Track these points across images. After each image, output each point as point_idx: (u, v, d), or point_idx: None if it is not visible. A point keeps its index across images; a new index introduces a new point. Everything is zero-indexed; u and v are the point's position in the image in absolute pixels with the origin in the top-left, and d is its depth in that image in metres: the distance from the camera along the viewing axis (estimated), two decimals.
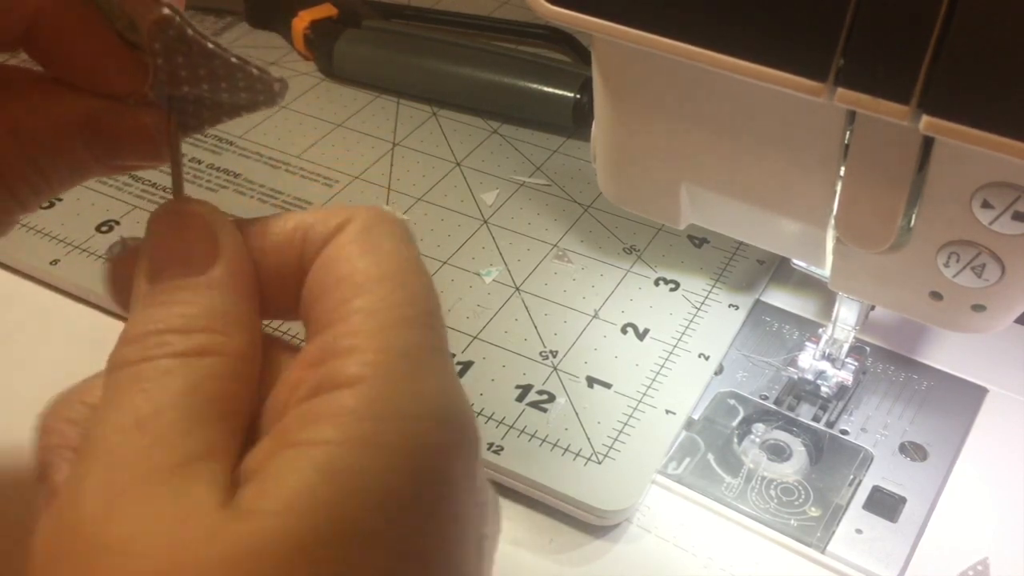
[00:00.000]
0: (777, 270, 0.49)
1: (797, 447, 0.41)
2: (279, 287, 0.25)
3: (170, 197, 0.27)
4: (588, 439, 0.41)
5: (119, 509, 0.20)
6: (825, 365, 0.43)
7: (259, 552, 0.20)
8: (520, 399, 0.43)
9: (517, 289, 0.48)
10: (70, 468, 0.23)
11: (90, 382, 0.25)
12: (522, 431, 0.41)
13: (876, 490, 0.40)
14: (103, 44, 0.28)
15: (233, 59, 0.27)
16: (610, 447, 0.40)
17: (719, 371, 0.44)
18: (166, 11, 0.26)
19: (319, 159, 0.56)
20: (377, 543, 0.21)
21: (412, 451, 0.22)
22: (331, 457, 0.21)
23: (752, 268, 0.49)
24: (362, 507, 0.21)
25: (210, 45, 0.27)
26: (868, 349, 0.45)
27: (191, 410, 0.22)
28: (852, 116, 0.30)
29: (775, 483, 0.40)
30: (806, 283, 0.48)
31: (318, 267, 0.24)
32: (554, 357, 0.45)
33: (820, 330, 0.44)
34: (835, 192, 0.33)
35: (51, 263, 0.48)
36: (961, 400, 0.43)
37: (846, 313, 0.41)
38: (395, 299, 0.23)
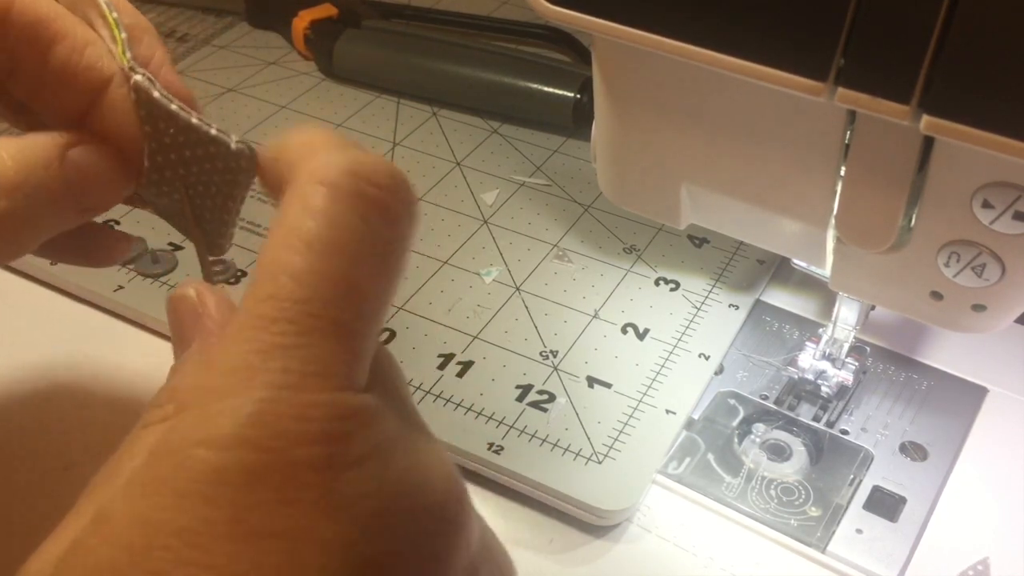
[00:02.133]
0: (777, 270, 0.49)
1: (797, 447, 0.41)
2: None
3: None
4: (588, 439, 0.41)
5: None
6: (825, 365, 0.43)
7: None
8: (520, 399, 0.43)
9: (517, 289, 0.48)
10: None
11: None
12: (522, 431, 0.41)
13: (876, 490, 0.40)
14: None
15: (195, 119, 0.30)
16: (610, 447, 0.40)
17: (719, 371, 0.44)
18: (138, 77, 0.29)
19: None
20: None
21: (187, 483, 0.20)
22: (109, 501, 0.21)
23: (752, 268, 0.49)
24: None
25: (174, 106, 0.29)
26: (868, 349, 0.45)
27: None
28: (852, 116, 0.30)
29: (775, 483, 0.40)
30: (806, 283, 0.48)
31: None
32: (554, 357, 0.45)
33: (820, 330, 0.44)
34: (835, 192, 0.33)
35: (51, 263, 0.48)
36: (961, 400, 0.43)
37: (846, 313, 0.41)
38: (262, 292, 0.22)
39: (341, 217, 0.22)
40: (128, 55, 0.30)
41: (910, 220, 0.32)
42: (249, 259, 0.49)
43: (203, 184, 0.31)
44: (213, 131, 0.30)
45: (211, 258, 0.31)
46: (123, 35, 0.30)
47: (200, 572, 0.19)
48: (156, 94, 0.29)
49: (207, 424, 0.20)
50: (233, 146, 0.30)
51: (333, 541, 0.20)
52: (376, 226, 0.23)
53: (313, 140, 0.25)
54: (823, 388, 0.43)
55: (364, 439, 0.21)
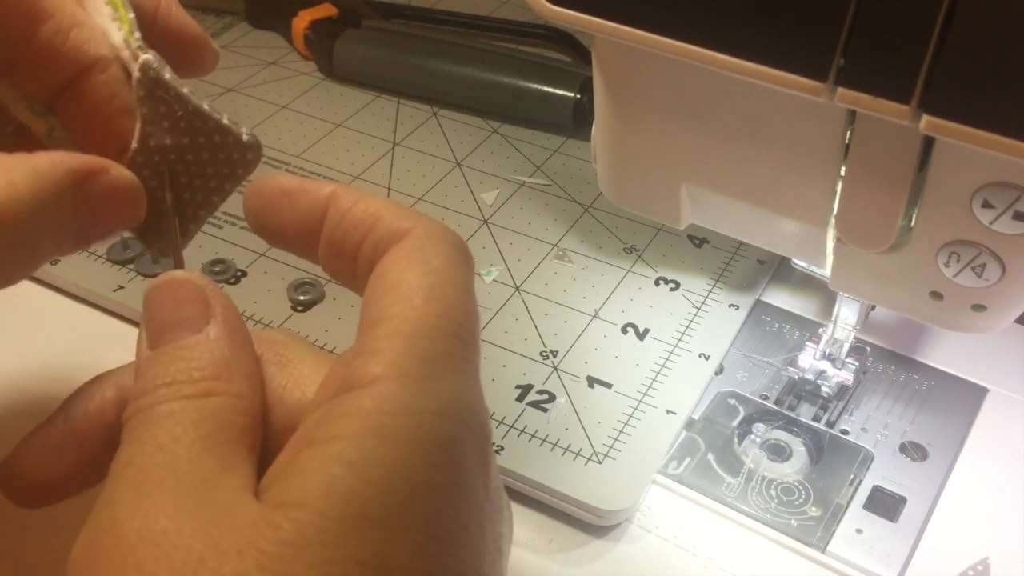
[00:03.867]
0: (777, 270, 0.49)
1: (797, 447, 0.41)
2: (337, 256, 0.28)
3: None
4: (588, 439, 0.41)
5: (153, 509, 0.22)
6: (825, 365, 0.43)
7: (290, 541, 0.21)
8: (520, 399, 0.43)
9: (517, 289, 0.48)
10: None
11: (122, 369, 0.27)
12: (522, 431, 0.41)
13: (876, 490, 0.40)
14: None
15: (206, 105, 0.29)
16: (610, 447, 0.40)
17: (719, 371, 0.44)
18: (148, 56, 0.29)
19: (319, 159, 0.56)
20: (401, 526, 0.22)
21: (423, 442, 0.23)
22: (347, 449, 0.22)
23: (752, 268, 0.49)
24: (383, 492, 0.22)
25: (186, 90, 0.29)
26: (868, 349, 0.45)
27: (205, 436, 0.23)
28: (852, 116, 0.30)
29: (775, 483, 0.40)
30: (806, 283, 0.48)
31: (375, 275, 0.26)
32: (554, 357, 0.45)
33: (820, 330, 0.44)
34: (835, 192, 0.33)
35: (52, 263, 0.48)
36: (961, 400, 0.43)
37: (846, 313, 0.41)
38: (428, 309, 0.25)
39: (458, 257, 0.26)
40: (137, 35, 0.29)
41: (910, 220, 0.32)
42: (249, 259, 0.49)
43: (193, 173, 0.30)
44: (225, 120, 0.30)
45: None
46: (131, 15, 0.29)
47: (458, 529, 0.23)
48: (168, 75, 0.29)
49: (429, 399, 0.23)
50: (245, 137, 0.30)
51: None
52: (470, 268, 0.27)
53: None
54: (823, 388, 0.43)
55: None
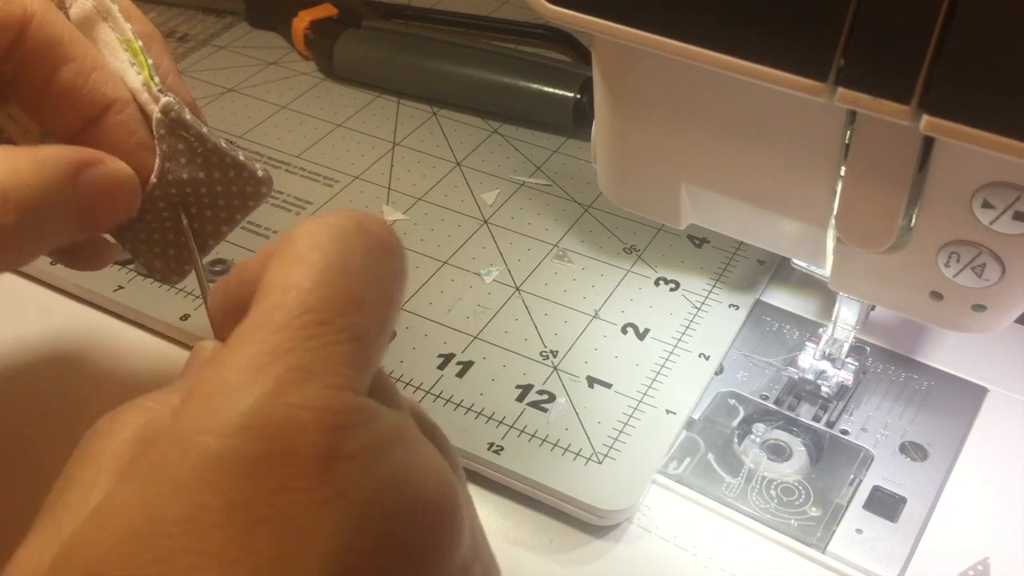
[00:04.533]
0: (777, 270, 0.49)
1: (797, 447, 0.41)
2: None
3: None
4: (588, 439, 0.41)
5: None
6: (825, 365, 0.43)
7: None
8: (520, 399, 0.43)
9: (517, 289, 0.48)
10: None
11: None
12: (522, 431, 0.41)
13: (876, 490, 0.40)
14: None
15: (224, 142, 0.32)
16: (610, 447, 0.40)
17: (719, 371, 0.44)
18: (169, 98, 0.31)
19: (319, 159, 0.56)
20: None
21: (189, 467, 0.20)
22: (111, 489, 0.22)
23: (752, 268, 0.49)
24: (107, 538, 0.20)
25: (205, 129, 0.32)
26: (868, 349, 0.45)
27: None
28: (852, 116, 0.30)
29: (775, 483, 0.40)
30: (806, 283, 0.48)
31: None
32: (554, 357, 0.45)
33: (820, 330, 0.44)
34: (835, 192, 0.33)
35: (52, 263, 0.48)
36: (961, 400, 0.43)
37: (846, 313, 0.41)
38: (265, 304, 0.22)
39: (347, 243, 0.24)
40: (156, 79, 0.32)
41: (910, 220, 0.32)
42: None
43: (205, 204, 0.33)
44: (240, 157, 0.32)
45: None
46: (150, 61, 0.32)
47: (198, 559, 0.20)
48: (188, 116, 0.32)
49: (211, 413, 0.21)
50: (260, 173, 0.33)
51: (326, 530, 0.20)
52: (377, 254, 0.24)
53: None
54: (823, 388, 0.43)
55: (361, 434, 0.22)
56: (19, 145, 0.33)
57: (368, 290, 0.23)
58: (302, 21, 0.64)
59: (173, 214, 0.33)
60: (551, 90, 0.57)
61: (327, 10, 0.64)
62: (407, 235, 0.51)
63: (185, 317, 0.45)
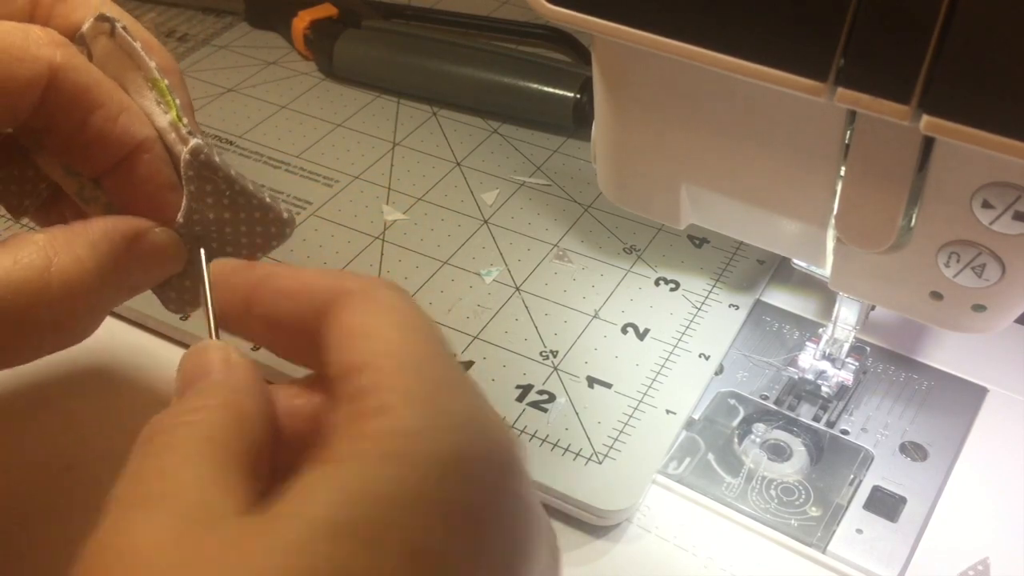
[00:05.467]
0: (777, 270, 0.49)
1: (797, 447, 0.41)
2: (297, 338, 0.27)
3: None
4: (588, 439, 0.41)
5: (142, 528, 0.21)
6: (825, 365, 0.43)
7: (273, 548, 0.20)
8: (520, 399, 0.43)
9: (517, 289, 0.48)
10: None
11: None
12: (522, 431, 0.41)
13: (876, 490, 0.40)
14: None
15: (250, 184, 0.33)
16: (610, 447, 0.40)
17: (719, 371, 0.44)
18: (198, 141, 0.32)
19: (319, 159, 0.56)
20: (393, 543, 0.21)
21: (439, 461, 0.22)
22: (354, 470, 0.21)
23: (752, 268, 0.49)
24: (388, 510, 0.21)
25: (233, 172, 0.32)
26: (868, 349, 0.45)
27: (203, 456, 0.23)
28: (852, 116, 0.30)
29: (775, 483, 0.40)
30: (806, 283, 0.48)
31: (334, 332, 0.26)
32: (554, 357, 0.44)
33: (820, 330, 0.44)
34: (835, 192, 0.33)
35: None
36: (961, 400, 0.43)
37: (846, 313, 0.41)
38: (410, 340, 0.25)
39: (414, 306, 0.27)
40: (184, 120, 0.32)
41: (910, 220, 0.32)
42: None
43: (228, 241, 0.33)
44: (267, 198, 0.33)
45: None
46: (177, 101, 0.32)
47: (479, 552, 0.22)
48: (217, 159, 0.32)
49: (437, 417, 0.23)
50: (284, 215, 0.33)
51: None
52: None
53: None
54: (823, 388, 0.43)
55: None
56: (48, 172, 0.33)
57: (429, 325, 0.26)
58: (302, 21, 0.64)
59: (194, 249, 0.33)
60: (551, 90, 0.57)
61: (327, 10, 0.64)
62: (407, 235, 0.51)
63: (185, 317, 0.45)
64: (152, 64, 0.32)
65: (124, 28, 0.32)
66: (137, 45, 0.32)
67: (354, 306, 0.26)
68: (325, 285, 0.27)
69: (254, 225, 0.33)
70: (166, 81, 0.32)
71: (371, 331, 0.25)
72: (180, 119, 0.32)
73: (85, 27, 0.32)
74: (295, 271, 0.28)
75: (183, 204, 0.32)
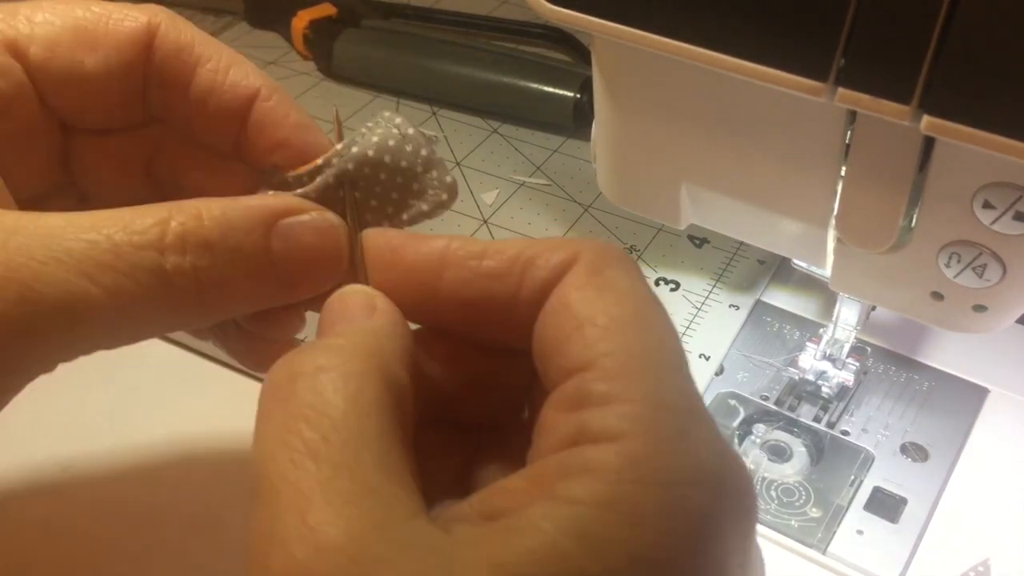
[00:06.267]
0: (778, 270, 0.49)
1: (798, 448, 0.41)
2: (489, 313, 0.25)
3: None
4: None
5: (321, 525, 0.19)
6: (826, 365, 0.43)
7: None
8: None
9: None
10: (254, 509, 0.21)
11: None
12: None
13: (877, 491, 0.39)
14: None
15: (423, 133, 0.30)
16: None
17: (720, 371, 0.44)
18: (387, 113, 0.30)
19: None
20: None
21: (674, 519, 0.20)
22: (585, 520, 0.20)
23: (753, 268, 0.49)
24: (609, 573, 0.19)
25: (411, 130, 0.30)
26: (869, 349, 0.45)
27: (361, 434, 0.21)
28: (853, 116, 0.30)
29: (776, 484, 0.40)
30: (807, 283, 0.48)
31: (553, 309, 0.24)
32: None
33: (821, 330, 0.44)
34: (836, 192, 0.32)
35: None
36: (962, 400, 0.43)
37: (847, 313, 0.41)
38: (644, 342, 0.22)
39: (645, 282, 0.25)
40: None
41: (911, 220, 0.32)
42: None
43: (375, 193, 0.30)
44: (437, 154, 0.30)
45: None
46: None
47: None
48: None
49: (684, 461, 0.20)
50: (448, 179, 0.30)
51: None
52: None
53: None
54: (824, 389, 0.43)
55: None
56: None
57: (665, 318, 0.24)
58: (301, 21, 0.64)
59: (340, 189, 0.30)
60: (551, 90, 0.57)
61: (326, 9, 0.64)
62: None
63: None
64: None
65: None
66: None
67: (576, 283, 0.24)
68: (544, 259, 0.24)
69: (411, 181, 0.30)
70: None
71: (599, 319, 0.23)
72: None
73: None
74: (489, 245, 0.25)
75: (340, 143, 0.30)
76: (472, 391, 0.27)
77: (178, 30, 0.31)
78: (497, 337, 0.26)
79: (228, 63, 0.31)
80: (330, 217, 0.28)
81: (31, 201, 0.29)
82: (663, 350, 0.22)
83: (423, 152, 0.30)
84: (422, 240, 0.26)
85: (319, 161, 0.30)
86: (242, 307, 0.28)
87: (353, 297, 0.26)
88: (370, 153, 0.30)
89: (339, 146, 0.29)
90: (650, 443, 0.20)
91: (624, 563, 0.19)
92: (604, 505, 0.20)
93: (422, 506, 0.21)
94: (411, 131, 0.29)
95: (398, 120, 0.30)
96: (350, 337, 0.24)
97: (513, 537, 0.20)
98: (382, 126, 0.30)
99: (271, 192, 0.30)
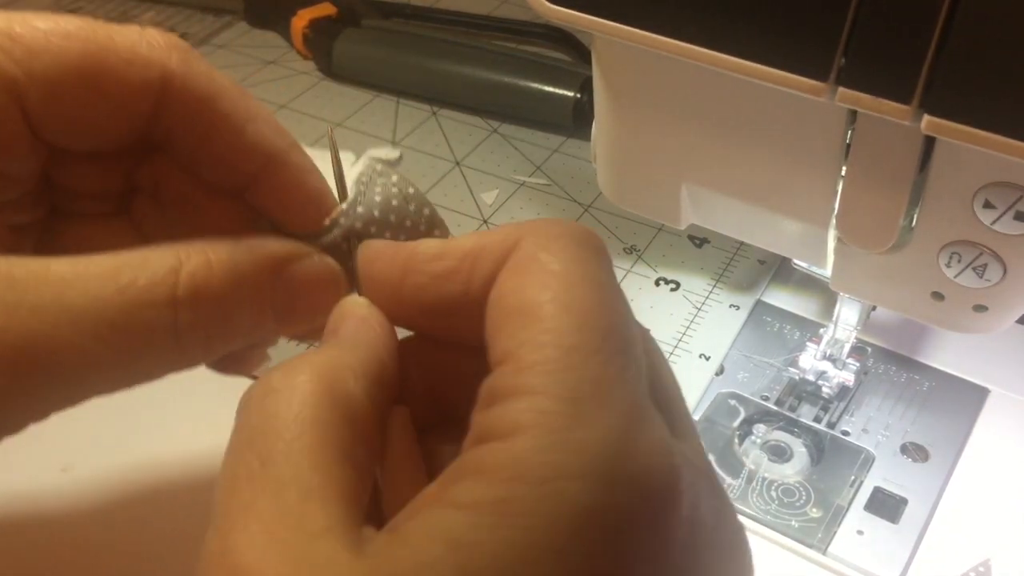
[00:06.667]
0: (778, 270, 0.49)
1: (798, 448, 0.41)
2: (448, 315, 0.25)
3: None
4: None
5: (241, 540, 0.20)
6: (826, 365, 0.43)
7: None
8: None
9: None
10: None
11: None
12: None
13: (877, 491, 0.39)
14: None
15: (426, 210, 0.30)
16: None
17: (720, 372, 0.44)
18: (379, 166, 0.30)
19: (318, 159, 0.56)
20: None
21: (545, 515, 0.19)
22: (457, 524, 0.19)
23: (753, 268, 0.49)
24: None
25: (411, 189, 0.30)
26: (869, 349, 0.45)
27: (291, 456, 0.21)
28: (853, 116, 0.30)
29: (776, 484, 0.40)
30: (807, 283, 0.48)
31: (490, 301, 0.23)
32: None
33: (821, 330, 0.44)
34: (836, 192, 0.32)
35: None
36: (963, 401, 0.43)
37: (847, 313, 0.41)
38: (561, 326, 0.21)
39: (593, 262, 0.23)
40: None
41: (911, 220, 0.32)
42: None
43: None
44: (438, 214, 0.30)
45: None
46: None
47: None
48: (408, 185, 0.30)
49: (569, 456, 0.19)
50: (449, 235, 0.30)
51: None
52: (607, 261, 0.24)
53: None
54: (824, 389, 0.43)
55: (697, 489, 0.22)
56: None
57: (617, 301, 0.22)
58: (301, 20, 0.64)
59: (346, 243, 0.30)
60: (551, 90, 0.57)
61: (326, 9, 0.64)
62: None
63: None
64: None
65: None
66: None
67: (511, 271, 0.23)
68: (490, 250, 0.23)
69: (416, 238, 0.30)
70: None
71: (524, 307, 0.22)
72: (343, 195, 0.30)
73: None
74: (445, 244, 0.25)
75: (351, 193, 0.30)
76: (470, 391, 0.27)
77: (194, 78, 0.28)
78: (470, 337, 0.25)
79: (246, 119, 0.28)
80: (329, 263, 0.28)
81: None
82: (582, 332, 0.21)
83: (426, 212, 0.30)
84: (396, 248, 0.26)
85: (326, 222, 0.30)
86: (239, 346, 0.27)
87: (336, 310, 0.26)
88: (376, 213, 0.30)
89: (344, 205, 0.30)
90: (540, 437, 0.19)
91: (487, 562, 0.18)
92: (476, 507, 0.19)
93: (343, 521, 0.20)
94: (411, 190, 0.30)
95: (395, 177, 0.30)
96: (309, 356, 0.23)
97: (393, 549, 0.19)
98: (378, 183, 0.30)
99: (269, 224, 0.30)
